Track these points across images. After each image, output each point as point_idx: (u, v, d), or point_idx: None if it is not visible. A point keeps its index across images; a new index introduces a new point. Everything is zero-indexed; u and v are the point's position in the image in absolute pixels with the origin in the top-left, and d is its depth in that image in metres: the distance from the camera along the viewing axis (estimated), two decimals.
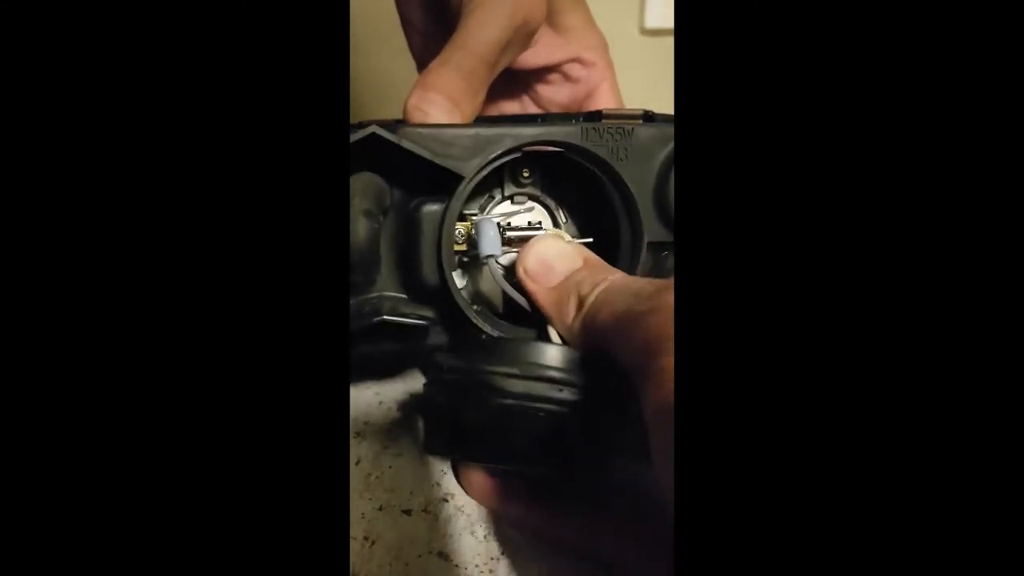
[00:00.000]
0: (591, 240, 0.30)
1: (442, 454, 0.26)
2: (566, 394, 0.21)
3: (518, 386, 0.21)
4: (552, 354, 0.22)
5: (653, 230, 0.28)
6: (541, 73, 0.39)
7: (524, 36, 0.34)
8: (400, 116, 0.30)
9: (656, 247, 0.28)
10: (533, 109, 0.42)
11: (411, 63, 0.42)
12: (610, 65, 0.40)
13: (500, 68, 0.33)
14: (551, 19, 0.37)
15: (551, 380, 0.21)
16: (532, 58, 0.37)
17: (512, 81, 0.39)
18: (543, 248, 0.25)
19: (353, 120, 0.28)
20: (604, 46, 0.40)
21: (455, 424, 0.22)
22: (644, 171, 0.27)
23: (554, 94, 0.40)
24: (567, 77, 0.40)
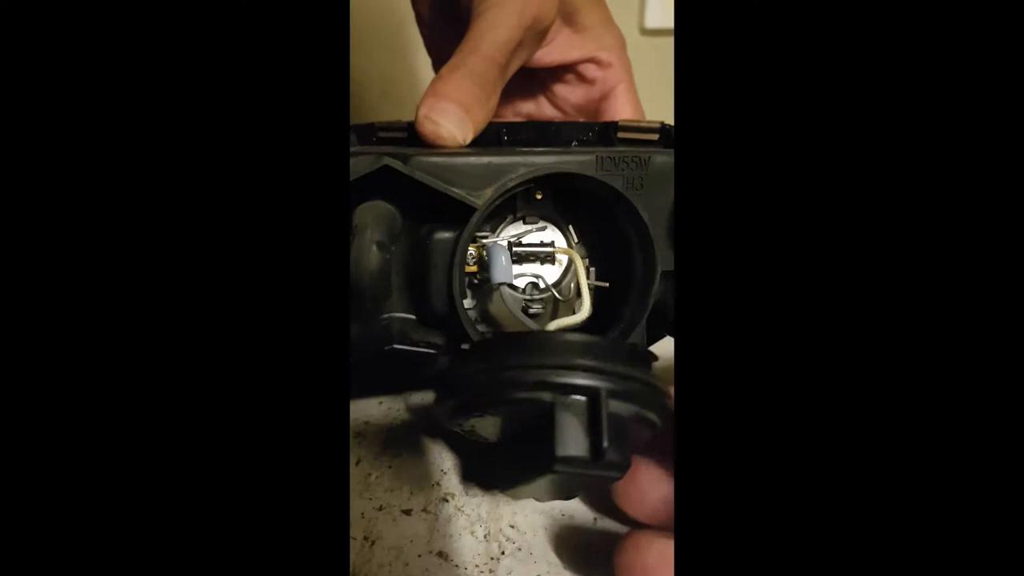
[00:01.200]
0: (607, 284, 0.30)
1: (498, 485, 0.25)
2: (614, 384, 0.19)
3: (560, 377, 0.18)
4: (584, 343, 0.20)
5: (668, 259, 0.28)
6: (557, 72, 0.39)
7: (536, 35, 0.33)
8: (401, 117, 0.30)
9: (671, 276, 0.28)
10: (548, 109, 0.41)
11: (411, 62, 0.42)
12: (627, 66, 0.40)
13: (513, 69, 0.33)
14: (569, 18, 0.37)
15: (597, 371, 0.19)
16: (548, 56, 0.37)
17: (528, 80, 0.39)
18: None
19: (353, 120, 0.28)
20: (622, 46, 0.39)
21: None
22: (660, 200, 0.27)
23: (569, 94, 0.40)
24: (583, 78, 0.39)
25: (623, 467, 0.19)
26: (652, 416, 0.20)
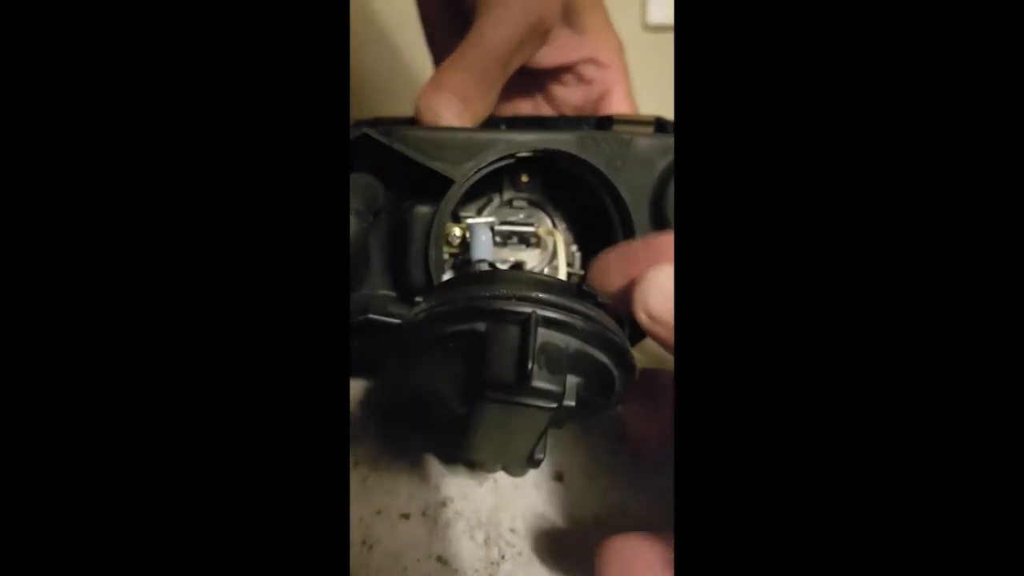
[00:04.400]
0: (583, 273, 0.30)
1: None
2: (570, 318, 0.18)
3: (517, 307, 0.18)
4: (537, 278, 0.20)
5: None
6: (556, 73, 0.39)
7: (539, 35, 0.34)
8: (405, 114, 0.30)
9: None
10: (547, 109, 0.41)
11: (411, 60, 0.42)
12: (625, 67, 0.40)
13: (514, 67, 0.33)
14: (568, 19, 0.37)
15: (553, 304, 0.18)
16: (548, 57, 0.37)
17: (527, 80, 0.39)
18: (667, 280, 0.19)
19: (354, 118, 0.28)
20: (620, 48, 0.39)
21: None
22: (641, 182, 0.27)
23: (568, 95, 0.40)
24: (581, 78, 0.39)
25: (555, 396, 0.18)
26: (598, 354, 0.19)
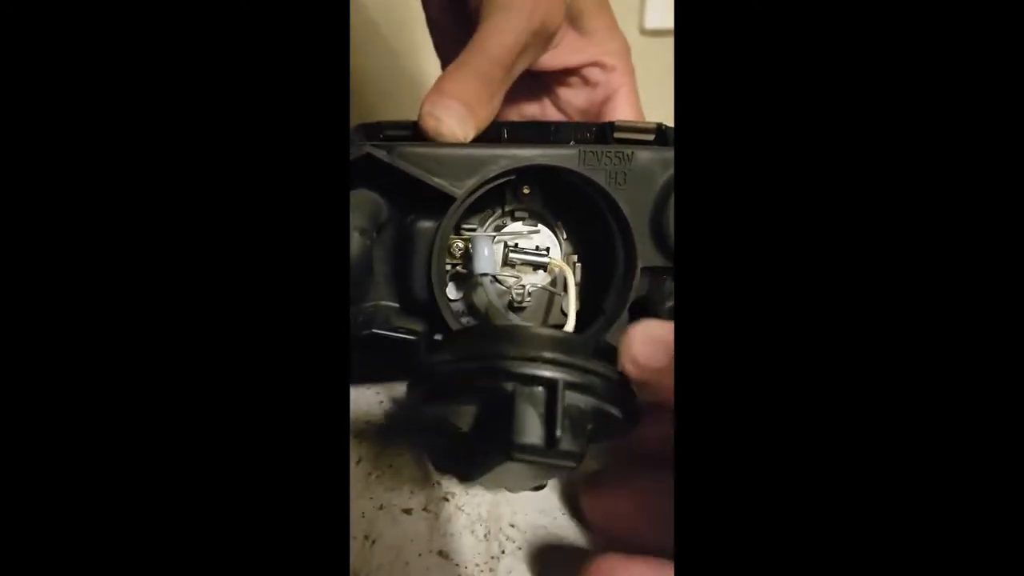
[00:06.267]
0: (578, 263, 0.30)
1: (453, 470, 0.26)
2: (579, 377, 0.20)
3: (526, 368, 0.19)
4: (555, 337, 0.21)
5: (648, 255, 0.28)
6: (561, 76, 0.39)
7: (542, 39, 0.34)
8: (403, 118, 0.30)
9: (652, 272, 0.28)
10: (552, 111, 0.42)
11: (412, 63, 0.42)
12: (630, 70, 0.40)
13: (518, 71, 0.33)
14: (575, 22, 0.37)
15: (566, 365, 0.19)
16: (553, 60, 0.37)
17: (533, 83, 0.39)
18: (650, 330, 0.20)
19: (355, 121, 0.28)
20: (626, 51, 0.40)
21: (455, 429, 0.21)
22: (643, 196, 0.27)
23: (573, 97, 0.40)
24: (586, 81, 0.39)
25: (578, 457, 0.19)
26: (613, 410, 0.20)
